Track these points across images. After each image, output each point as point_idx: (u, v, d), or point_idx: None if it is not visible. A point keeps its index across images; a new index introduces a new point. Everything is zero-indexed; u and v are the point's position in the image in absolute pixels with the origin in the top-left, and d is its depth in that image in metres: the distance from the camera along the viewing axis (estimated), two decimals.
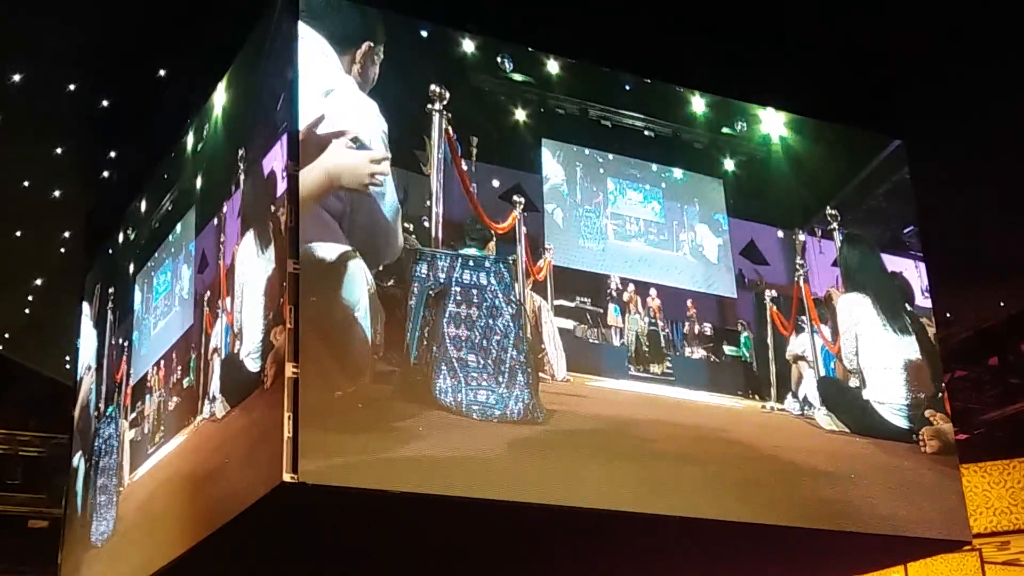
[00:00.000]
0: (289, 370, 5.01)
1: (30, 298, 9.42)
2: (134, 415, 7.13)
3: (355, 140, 5.46)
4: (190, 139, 6.81)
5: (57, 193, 8.15)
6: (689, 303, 6.32)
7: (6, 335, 10.28)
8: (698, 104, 6.63)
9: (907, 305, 6.91)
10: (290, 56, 5.48)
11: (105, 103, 7.29)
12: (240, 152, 6.02)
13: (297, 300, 5.11)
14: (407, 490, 5.11)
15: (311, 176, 5.30)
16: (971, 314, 9.47)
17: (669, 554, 6.50)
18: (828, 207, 6.85)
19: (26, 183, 8.01)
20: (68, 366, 9.40)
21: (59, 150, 7.76)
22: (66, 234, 8.62)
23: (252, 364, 5.52)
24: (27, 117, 7.40)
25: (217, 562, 6.05)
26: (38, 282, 9.21)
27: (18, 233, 8.57)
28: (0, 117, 7.34)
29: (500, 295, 5.64)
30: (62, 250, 8.77)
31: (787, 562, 6.92)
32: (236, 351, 5.76)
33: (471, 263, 5.65)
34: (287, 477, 4.85)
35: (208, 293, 6.31)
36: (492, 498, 5.31)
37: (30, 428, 12.81)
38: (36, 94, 7.21)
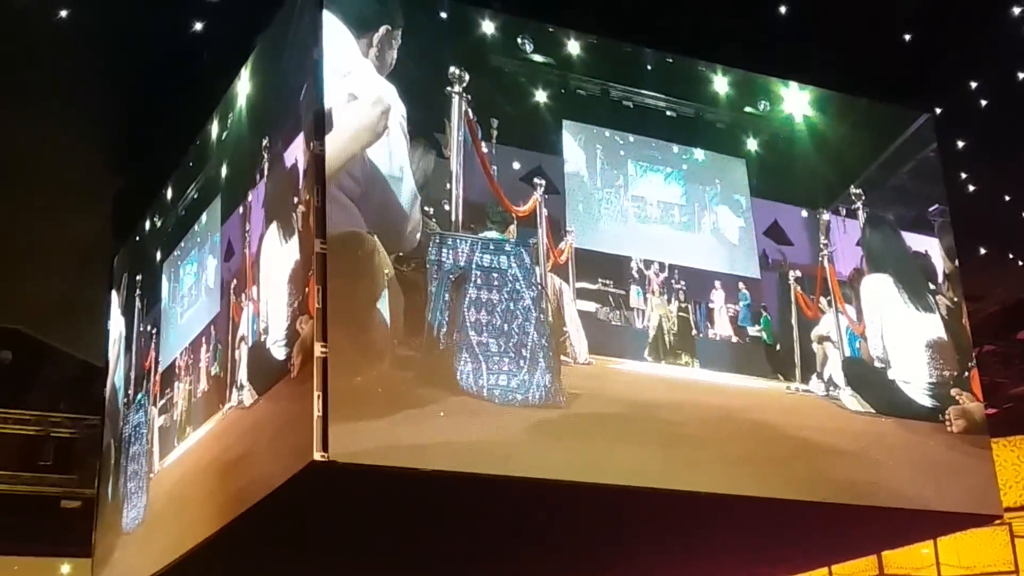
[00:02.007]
0: (318, 350, 5.00)
1: (61, 280, 9.47)
2: (163, 402, 7.16)
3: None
4: (215, 128, 6.80)
5: (87, 177, 8.19)
6: (712, 284, 6.26)
7: (37, 317, 10.34)
8: (720, 84, 6.55)
9: (931, 284, 6.84)
10: (314, 44, 5.45)
11: (132, 89, 7.31)
12: (264, 142, 6.01)
13: (325, 281, 5.09)
14: (434, 468, 5.11)
15: (335, 146, 5.28)
16: (999, 289, 9.41)
17: (696, 530, 6.51)
18: (853, 186, 6.77)
19: (56, 166, 8.05)
20: (98, 348, 9.47)
21: (88, 135, 7.80)
22: (96, 218, 8.67)
23: (279, 352, 5.54)
24: (57, 105, 7.44)
25: (244, 544, 6.13)
26: (69, 264, 9.26)
27: (49, 216, 8.61)
28: (30, 103, 7.39)
29: (521, 279, 5.61)
30: (93, 233, 8.82)
31: (815, 537, 6.93)
32: (263, 340, 5.77)
33: (491, 247, 5.61)
34: (318, 456, 4.84)
35: (235, 282, 6.32)
36: (518, 475, 5.31)
37: (61, 409, 12.81)
38: (62, 80, 7.24)
